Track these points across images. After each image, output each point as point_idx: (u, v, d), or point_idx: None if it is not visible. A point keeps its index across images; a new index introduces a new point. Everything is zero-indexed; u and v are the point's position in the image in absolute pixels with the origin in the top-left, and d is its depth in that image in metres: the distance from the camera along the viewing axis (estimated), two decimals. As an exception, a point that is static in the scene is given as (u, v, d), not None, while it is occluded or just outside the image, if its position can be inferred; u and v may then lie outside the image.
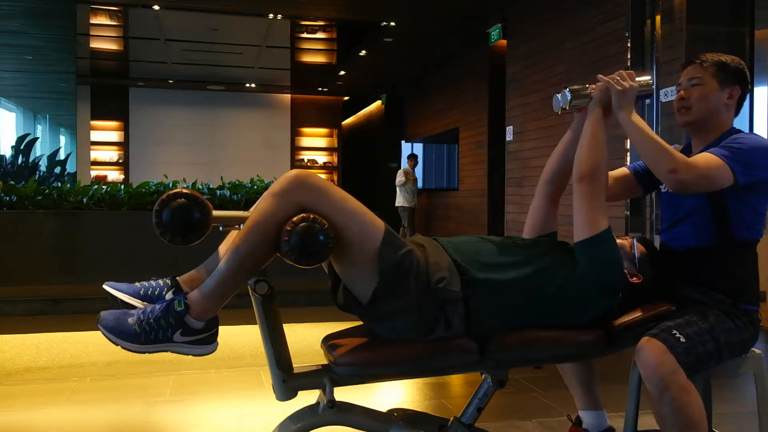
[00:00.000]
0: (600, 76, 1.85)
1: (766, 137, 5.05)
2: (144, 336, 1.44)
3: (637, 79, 1.83)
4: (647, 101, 5.19)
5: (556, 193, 1.98)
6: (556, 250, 1.76)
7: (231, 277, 1.48)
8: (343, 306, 1.61)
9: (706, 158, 1.71)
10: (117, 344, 1.44)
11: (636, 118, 1.77)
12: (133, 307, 1.54)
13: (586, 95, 1.86)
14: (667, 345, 1.61)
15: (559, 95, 1.91)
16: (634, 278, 1.80)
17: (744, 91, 1.89)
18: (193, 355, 1.49)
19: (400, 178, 10.76)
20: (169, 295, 1.57)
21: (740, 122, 5.41)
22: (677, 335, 1.63)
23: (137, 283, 1.61)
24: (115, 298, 1.57)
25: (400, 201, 10.68)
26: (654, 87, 5.15)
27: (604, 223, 1.68)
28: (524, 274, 1.65)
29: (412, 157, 11.05)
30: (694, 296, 1.78)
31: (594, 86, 1.86)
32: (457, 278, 1.59)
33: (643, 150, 1.74)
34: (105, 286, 1.59)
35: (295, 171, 1.53)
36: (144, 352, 1.46)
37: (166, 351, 1.47)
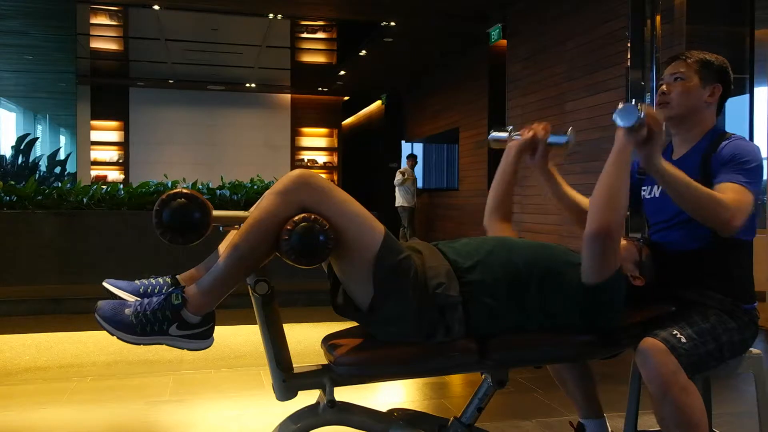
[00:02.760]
0: (649, 107, 1.64)
1: (766, 137, 5.05)
2: (140, 327, 1.44)
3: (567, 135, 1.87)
4: (647, 101, 5.20)
5: (508, 218, 2.09)
6: (559, 255, 1.73)
7: (229, 274, 1.48)
8: (341, 310, 1.61)
9: (741, 193, 1.67)
10: (113, 334, 1.44)
11: (671, 167, 1.66)
12: None
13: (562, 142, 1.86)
14: (668, 346, 1.60)
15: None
16: (638, 280, 1.80)
17: (726, 90, 1.89)
18: (189, 349, 1.49)
19: (397, 177, 10.76)
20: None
21: (740, 122, 5.40)
22: (678, 336, 1.63)
23: (137, 281, 1.61)
24: (115, 295, 1.57)
25: (399, 201, 10.68)
26: (653, 88, 5.15)
27: (612, 271, 1.59)
28: (524, 276, 1.64)
29: (412, 157, 11.05)
30: (692, 297, 1.78)
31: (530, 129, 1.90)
32: (455, 283, 1.58)
33: (688, 203, 1.65)
34: (105, 284, 1.59)
35: (298, 171, 1.53)
36: (139, 344, 1.46)
37: (162, 344, 1.47)
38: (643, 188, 1.97)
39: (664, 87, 1.89)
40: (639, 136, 1.62)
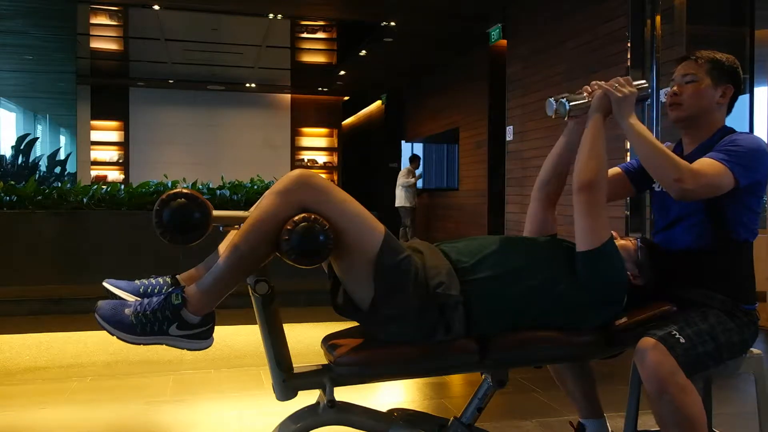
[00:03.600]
0: (598, 83, 1.83)
1: (766, 137, 5.06)
2: (140, 327, 1.44)
3: (634, 83, 1.81)
4: (647, 102, 5.20)
5: (552, 198, 1.97)
6: (559, 252, 1.74)
7: (229, 274, 1.48)
8: (341, 310, 1.61)
9: (708, 164, 1.69)
10: (113, 334, 1.45)
11: (638, 125, 1.76)
12: None
13: (583, 104, 1.83)
14: (666, 346, 1.61)
15: (554, 101, 1.85)
16: (637, 279, 1.80)
17: (737, 90, 1.88)
18: (189, 349, 1.49)
19: (408, 178, 10.68)
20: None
21: (740, 122, 5.40)
22: (677, 336, 1.63)
23: (137, 281, 1.62)
24: (115, 295, 1.57)
25: (402, 201, 10.61)
26: (653, 88, 5.15)
27: (606, 233, 1.66)
28: (526, 275, 1.64)
29: (416, 159, 11.02)
30: (694, 297, 1.78)
31: (588, 92, 1.84)
32: (456, 282, 1.58)
33: (646, 158, 1.73)
34: (105, 284, 1.59)
35: (298, 171, 1.53)
36: (139, 344, 1.46)
37: (161, 344, 1.47)
38: (652, 185, 1.97)
39: (675, 88, 1.87)
40: (600, 110, 1.77)
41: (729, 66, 1.85)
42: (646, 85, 1.89)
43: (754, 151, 1.73)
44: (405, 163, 11.33)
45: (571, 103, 1.83)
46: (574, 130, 1.90)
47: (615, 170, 1.99)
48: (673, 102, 1.87)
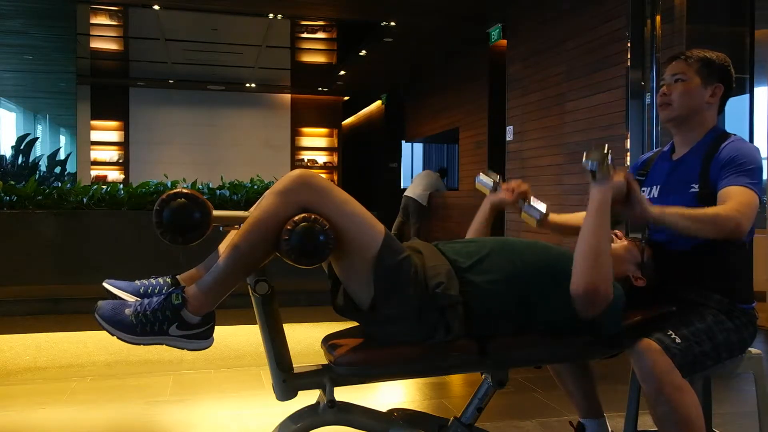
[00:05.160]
0: (622, 169, 1.70)
1: (766, 137, 5.06)
2: (140, 328, 1.44)
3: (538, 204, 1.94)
4: (647, 101, 5.20)
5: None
6: (560, 253, 1.73)
7: (229, 274, 1.48)
8: (341, 310, 1.61)
9: (745, 195, 1.69)
10: (113, 334, 1.44)
11: (665, 210, 1.70)
12: None
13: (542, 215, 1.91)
14: (662, 346, 1.61)
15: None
16: (639, 281, 1.80)
17: (728, 89, 1.88)
18: (189, 349, 1.49)
19: (440, 183, 10.60)
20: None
21: (740, 122, 5.39)
22: (673, 336, 1.64)
23: (137, 281, 1.61)
24: (115, 296, 1.57)
25: (422, 199, 10.48)
26: (653, 88, 5.15)
27: (607, 303, 1.57)
28: (526, 276, 1.64)
29: (445, 172, 11.07)
30: (692, 297, 1.78)
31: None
32: (455, 282, 1.58)
33: (700, 231, 1.68)
34: (105, 284, 1.59)
35: (299, 170, 1.53)
36: (139, 344, 1.46)
37: (162, 344, 1.47)
38: (643, 189, 1.97)
39: (664, 88, 1.88)
40: (617, 194, 1.63)
41: (719, 65, 1.85)
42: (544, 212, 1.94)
43: (759, 162, 1.77)
44: (405, 163, 11.32)
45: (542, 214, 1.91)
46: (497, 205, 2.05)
47: None
48: (662, 102, 1.88)
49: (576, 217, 2.09)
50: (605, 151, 1.60)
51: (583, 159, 1.62)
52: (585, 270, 1.56)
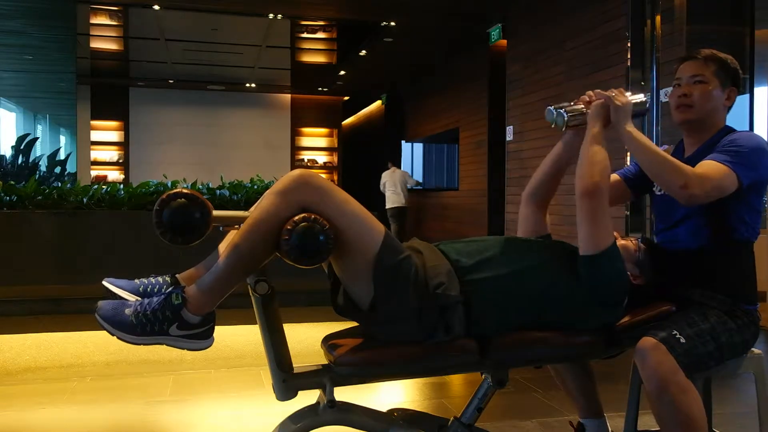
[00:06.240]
0: (597, 91, 1.83)
1: (766, 137, 5.07)
2: (140, 328, 1.44)
3: (632, 96, 1.82)
4: (647, 102, 5.19)
5: (545, 201, 1.99)
6: (560, 253, 1.74)
7: (229, 274, 1.48)
8: (341, 310, 1.61)
9: (712, 167, 1.68)
10: (113, 334, 1.45)
11: (637, 133, 1.76)
12: None
13: (580, 115, 1.83)
14: (666, 346, 1.61)
15: (553, 110, 1.85)
16: (638, 279, 1.80)
17: (737, 92, 1.88)
18: (189, 349, 1.49)
19: (409, 180, 10.65)
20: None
21: (740, 122, 5.40)
22: (677, 336, 1.63)
23: (137, 280, 1.61)
24: (115, 294, 1.57)
25: (403, 201, 10.51)
26: (653, 88, 5.15)
27: (608, 239, 1.65)
28: (526, 276, 1.64)
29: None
30: (695, 297, 1.78)
31: (585, 101, 1.84)
32: (456, 282, 1.58)
33: (649, 167, 1.73)
34: (104, 283, 1.59)
35: (299, 170, 1.53)
36: (139, 344, 1.46)
37: (162, 344, 1.47)
38: (654, 185, 1.96)
39: (684, 89, 1.84)
40: (600, 118, 1.76)
41: (733, 68, 1.85)
42: (645, 99, 1.89)
43: (755, 150, 1.73)
44: (406, 164, 11.32)
45: (568, 114, 1.83)
46: (571, 139, 1.90)
47: (613, 177, 1.97)
48: (682, 103, 1.84)
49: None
50: (560, 108, 1.81)
51: (552, 124, 1.83)
52: (585, 169, 1.69)
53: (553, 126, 1.87)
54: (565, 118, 1.82)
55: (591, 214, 1.65)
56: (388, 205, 10.48)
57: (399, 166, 11.76)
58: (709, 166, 1.69)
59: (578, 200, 1.67)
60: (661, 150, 1.74)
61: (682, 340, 1.63)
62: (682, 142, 1.95)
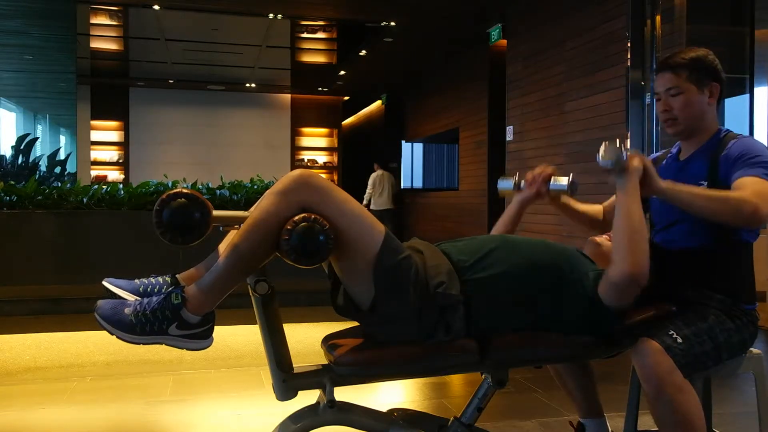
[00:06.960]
0: (635, 151, 1.71)
1: (766, 137, 5.06)
2: (140, 327, 1.44)
3: (554, 181, 1.92)
4: (647, 101, 5.20)
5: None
6: (561, 254, 1.72)
7: (229, 274, 1.48)
8: (341, 310, 1.61)
9: (758, 183, 1.65)
10: (112, 334, 1.44)
11: (672, 184, 1.69)
12: None
13: (562, 188, 1.88)
14: (663, 346, 1.61)
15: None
16: None
17: (721, 84, 1.85)
18: (188, 349, 1.49)
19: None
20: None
21: (740, 122, 5.39)
22: (674, 336, 1.64)
23: (137, 280, 1.61)
24: (115, 294, 1.57)
25: (390, 203, 10.58)
26: (653, 88, 5.15)
27: (633, 299, 1.62)
28: (527, 276, 1.64)
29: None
30: (693, 297, 1.78)
31: (532, 176, 1.91)
32: (456, 282, 1.58)
33: (709, 210, 1.64)
34: (104, 282, 1.59)
35: (299, 170, 1.53)
36: (139, 344, 1.46)
37: (161, 344, 1.47)
38: None
39: (663, 104, 1.84)
40: (638, 175, 1.64)
41: (708, 64, 1.82)
42: (566, 183, 1.91)
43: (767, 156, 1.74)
44: (406, 164, 11.30)
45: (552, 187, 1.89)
46: (526, 198, 1.98)
47: (613, 199, 1.95)
48: (667, 118, 1.85)
49: (590, 207, 2.09)
50: (618, 146, 1.63)
51: (599, 159, 1.65)
52: (627, 250, 1.57)
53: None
54: (565, 187, 1.88)
55: (628, 293, 1.60)
56: (373, 207, 10.54)
57: (399, 166, 11.77)
58: (754, 183, 1.65)
59: (621, 280, 1.57)
60: (702, 189, 1.69)
61: (679, 340, 1.63)
62: (679, 146, 1.96)
